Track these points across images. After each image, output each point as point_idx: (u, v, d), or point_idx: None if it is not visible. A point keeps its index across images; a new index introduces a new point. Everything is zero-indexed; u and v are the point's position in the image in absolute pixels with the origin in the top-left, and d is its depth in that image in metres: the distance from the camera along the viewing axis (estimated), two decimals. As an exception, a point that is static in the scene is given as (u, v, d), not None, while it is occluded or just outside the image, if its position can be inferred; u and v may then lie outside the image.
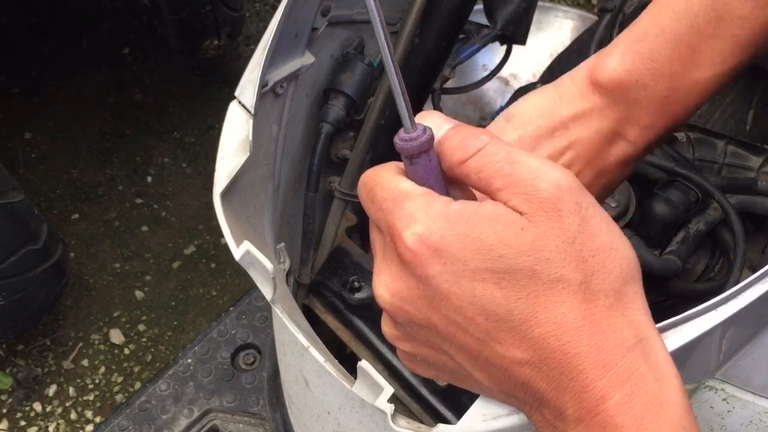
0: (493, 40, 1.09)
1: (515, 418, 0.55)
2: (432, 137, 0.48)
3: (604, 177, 0.66)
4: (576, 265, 0.45)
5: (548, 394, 0.46)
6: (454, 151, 0.48)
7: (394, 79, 0.47)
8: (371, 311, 0.91)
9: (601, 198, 0.69)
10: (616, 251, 0.47)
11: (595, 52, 1.06)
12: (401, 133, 0.48)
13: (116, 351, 1.93)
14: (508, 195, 0.46)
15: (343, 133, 1.01)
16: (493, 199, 0.46)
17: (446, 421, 0.77)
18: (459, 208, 0.46)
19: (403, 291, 0.48)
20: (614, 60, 0.62)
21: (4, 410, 1.83)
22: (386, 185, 0.49)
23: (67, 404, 1.85)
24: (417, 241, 0.46)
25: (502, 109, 1.15)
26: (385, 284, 0.49)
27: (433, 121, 0.50)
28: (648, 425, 0.44)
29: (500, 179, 0.46)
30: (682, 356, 0.58)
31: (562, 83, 0.65)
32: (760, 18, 0.59)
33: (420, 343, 0.52)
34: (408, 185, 0.49)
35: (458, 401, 0.84)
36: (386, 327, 0.53)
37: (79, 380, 1.88)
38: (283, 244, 0.94)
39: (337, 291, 0.93)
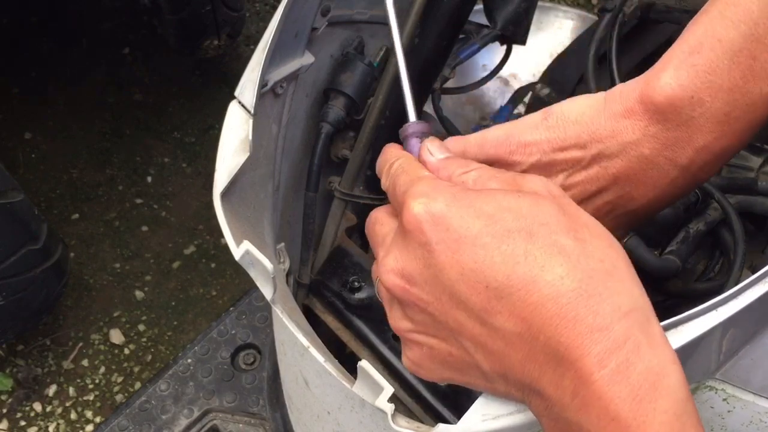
0: (493, 40, 1.09)
1: (515, 418, 0.55)
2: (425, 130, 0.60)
3: (637, 202, 0.61)
4: (568, 232, 0.48)
5: (545, 367, 0.47)
6: (457, 166, 0.55)
7: (403, 76, 0.59)
8: (371, 311, 0.91)
9: (628, 226, 0.64)
10: (602, 231, 0.50)
11: (595, 52, 1.06)
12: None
13: (116, 351, 1.93)
14: (499, 187, 0.52)
15: (343, 133, 1.01)
16: None
17: (446, 421, 0.77)
18: (464, 187, 0.52)
19: (409, 265, 0.51)
20: (668, 75, 0.56)
21: (4, 410, 1.83)
22: (409, 172, 0.55)
23: (67, 404, 1.85)
24: (421, 209, 0.49)
25: (502, 108, 1.15)
26: (394, 261, 0.52)
27: (440, 145, 0.59)
28: (644, 395, 0.44)
29: (493, 180, 0.53)
30: (682, 356, 0.58)
31: (611, 95, 0.60)
32: None
33: (425, 329, 0.53)
34: (426, 173, 0.55)
35: (458, 401, 0.84)
36: (393, 319, 0.55)
37: (79, 380, 1.88)
38: (283, 244, 0.94)
39: (337, 291, 0.93)
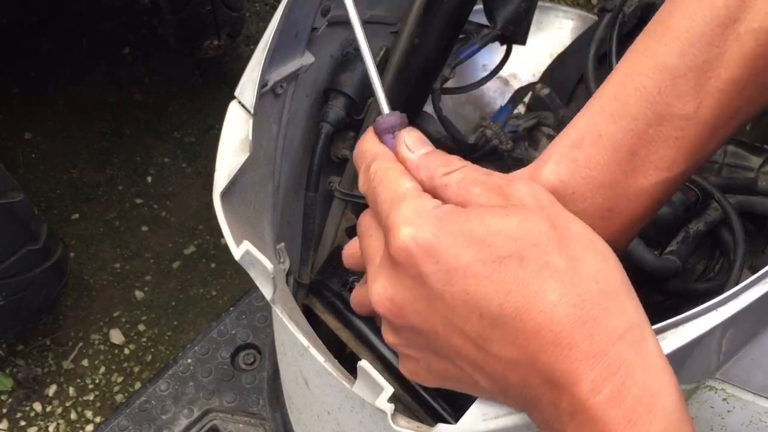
0: (493, 40, 1.09)
1: (515, 418, 0.55)
2: (402, 122, 0.55)
3: None
4: (560, 250, 0.46)
5: (543, 389, 0.47)
6: (439, 164, 0.52)
7: (369, 64, 0.55)
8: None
9: None
10: (594, 242, 0.48)
11: (595, 52, 1.06)
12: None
13: (116, 351, 1.93)
14: (485, 197, 0.49)
15: (343, 133, 1.01)
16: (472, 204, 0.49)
17: (446, 421, 0.77)
18: (449, 208, 0.49)
19: (399, 294, 0.49)
20: (548, 170, 0.55)
21: (4, 410, 1.83)
22: (389, 185, 0.51)
23: (67, 404, 1.85)
24: (410, 241, 0.47)
25: (502, 108, 1.15)
26: (383, 288, 0.50)
27: (418, 138, 0.55)
28: (638, 418, 0.44)
29: (478, 186, 0.50)
30: (682, 356, 0.58)
31: None
32: (704, 117, 0.53)
33: (421, 348, 0.52)
34: (408, 186, 0.51)
35: (458, 401, 0.84)
36: (387, 335, 0.54)
37: (79, 380, 1.88)
38: (283, 244, 0.94)
39: (337, 291, 0.93)
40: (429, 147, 0.54)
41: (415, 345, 0.52)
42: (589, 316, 0.45)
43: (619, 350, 0.45)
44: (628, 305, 0.47)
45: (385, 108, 0.56)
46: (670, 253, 0.89)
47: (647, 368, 0.46)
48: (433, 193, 0.51)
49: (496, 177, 0.50)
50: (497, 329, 0.46)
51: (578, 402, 0.45)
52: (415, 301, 0.49)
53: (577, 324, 0.45)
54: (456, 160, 0.52)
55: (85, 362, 1.91)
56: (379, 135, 0.55)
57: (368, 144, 0.56)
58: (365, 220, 0.54)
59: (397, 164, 0.53)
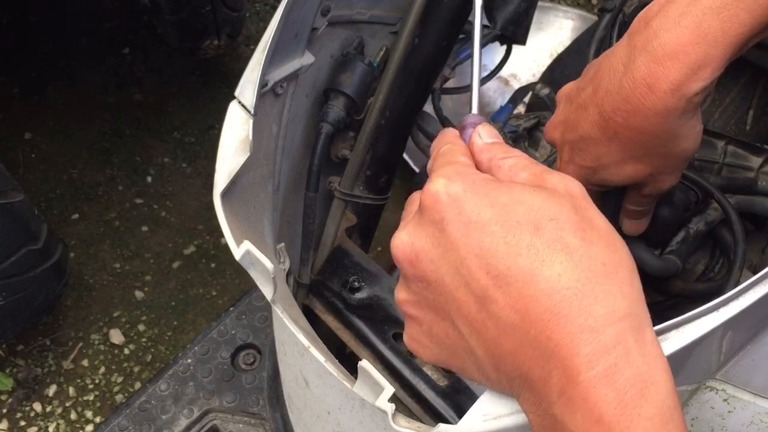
0: (493, 40, 1.09)
1: (516, 418, 0.55)
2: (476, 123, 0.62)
3: None
4: (575, 231, 0.48)
5: (535, 361, 0.47)
6: (500, 151, 0.57)
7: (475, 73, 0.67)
8: (371, 311, 0.91)
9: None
10: (612, 236, 0.50)
11: (595, 52, 1.06)
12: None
13: (116, 351, 1.93)
14: (525, 179, 0.54)
15: (343, 133, 1.01)
16: None
17: (446, 421, 0.77)
18: (487, 177, 0.54)
19: (419, 240, 0.52)
20: None
21: (4, 410, 1.83)
22: (448, 156, 0.57)
23: (67, 404, 1.85)
24: (441, 188, 0.52)
25: (502, 108, 1.15)
26: (407, 234, 0.53)
27: (491, 131, 0.61)
28: (630, 401, 0.44)
29: (525, 171, 0.54)
30: (683, 357, 0.59)
31: None
32: None
33: (427, 306, 0.54)
34: (462, 160, 0.57)
35: (459, 401, 0.84)
36: (399, 292, 0.56)
37: (79, 380, 1.88)
38: (283, 244, 0.94)
39: (337, 291, 0.93)
40: (498, 139, 0.60)
41: (422, 302, 0.54)
42: (590, 293, 0.46)
43: (617, 331, 0.46)
44: (632, 294, 0.48)
45: (475, 109, 0.65)
46: (670, 253, 0.89)
47: (643, 353, 0.46)
48: (488, 172, 0.56)
49: (541, 166, 0.55)
50: (500, 290, 0.48)
51: (569, 376, 0.45)
52: (431, 248, 0.51)
53: (576, 298, 0.46)
54: (516, 151, 0.57)
55: (85, 362, 1.91)
56: (462, 129, 0.62)
57: (448, 134, 0.62)
58: (414, 193, 0.58)
59: (462, 148, 0.59)
